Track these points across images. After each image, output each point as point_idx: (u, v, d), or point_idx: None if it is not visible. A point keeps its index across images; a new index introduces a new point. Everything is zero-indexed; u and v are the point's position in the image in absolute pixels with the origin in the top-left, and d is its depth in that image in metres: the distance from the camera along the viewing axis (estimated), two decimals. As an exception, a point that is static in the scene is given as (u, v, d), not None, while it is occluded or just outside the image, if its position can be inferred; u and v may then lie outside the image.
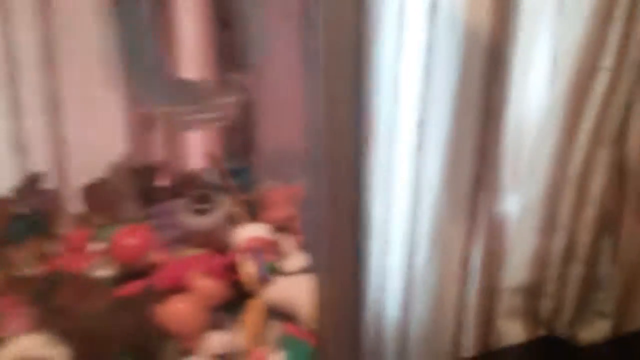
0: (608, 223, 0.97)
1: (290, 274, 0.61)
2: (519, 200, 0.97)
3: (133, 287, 0.53)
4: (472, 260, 0.97)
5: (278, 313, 0.60)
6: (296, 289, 0.58)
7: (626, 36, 0.83)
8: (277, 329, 0.59)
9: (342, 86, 0.48)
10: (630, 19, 0.82)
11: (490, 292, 1.02)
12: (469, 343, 1.03)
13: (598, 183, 0.92)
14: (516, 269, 1.00)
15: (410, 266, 0.94)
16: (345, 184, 0.52)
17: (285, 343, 0.58)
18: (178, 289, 0.54)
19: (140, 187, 0.62)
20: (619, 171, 0.97)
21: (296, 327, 0.58)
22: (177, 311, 0.53)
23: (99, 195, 0.62)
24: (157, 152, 0.71)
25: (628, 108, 0.89)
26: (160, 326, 0.53)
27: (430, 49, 0.81)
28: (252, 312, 0.59)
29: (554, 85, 0.88)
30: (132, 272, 0.56)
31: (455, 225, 0.93)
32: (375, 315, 0.96)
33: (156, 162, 0.67)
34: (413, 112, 0.85)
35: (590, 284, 1.00)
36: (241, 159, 0.71)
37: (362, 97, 0.51)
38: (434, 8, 0.79)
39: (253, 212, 0.66)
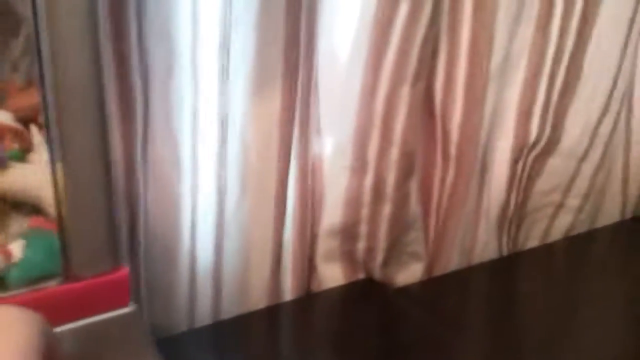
0: (413, 163, 0.99)
1: (35, 163, 0.55)
2: (332, 140, 0.97)
3: None
4: (287, 202, 0.95)
5: (23, 204, 0.54)
6: (39, 178, 0.52)
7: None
8: (21, 221, 0.53)
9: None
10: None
11: (307, 234, 1.01)
12: (288, 287, 1.01)
13: (401, 123, 0.94)
14: (331, 210, 1.00)
15: (220, 207, 0.91)
16: (79, 75, 0.47)
17: (29, 233, 0.52)
18: None
19: None
20: (427, 111, 1.01)
21: (42, 218, 0.53)
22: None
23: None
24: None
25: (429, 42, 0.92)
26: None
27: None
28: (-13, 200, 0.53)
29: (360, 18, 0.89)
30: None
31: (266, 164, 0.90)
32: (188, 257, 0.92)
33: None
34: (215, 34, 0.81)
35: (400, 224, 1.02)
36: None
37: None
38: None
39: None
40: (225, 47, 0.81)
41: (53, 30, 0.46)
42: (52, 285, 0.51)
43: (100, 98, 0.49)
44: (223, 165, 0.88)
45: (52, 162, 0.49)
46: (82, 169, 0.49)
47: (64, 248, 0.51)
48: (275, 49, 0.83)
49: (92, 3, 0.48)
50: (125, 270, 0.53)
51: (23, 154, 0.55)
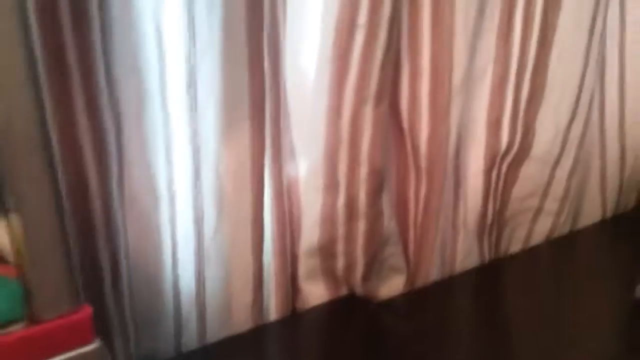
0: (382, 181, 1.01)
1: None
2: (305, 162, 1.00)
3: None
4: (265, 225, 0.98)
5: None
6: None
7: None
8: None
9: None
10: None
11: (288, 255, 1.03)
12: (273, 308, 1.04)
13: (367, 142, 0.96)
14: (309, 230, 1.03)
15: (199, 235, 0.93)
16: (25, 124, 0.50)
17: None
18: None
19: None
20: (396, 128, 1.04)
21: (5, 266, 0.56)
22: None
23: None
24: None
25: (389, 64, 0.95)
26: None
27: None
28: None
29: (321, 42, 0.92)
30: None
31: (241, 191, 0.92)
32: (172, 286, 0.95)
33: None
34: (181, 67, 0.84)
35: (376, 240, 1.04)
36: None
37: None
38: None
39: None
40: (192, 80, 0.84)
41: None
42: (16, 329, 0.53)
43: (46, 144, 0.51)
44: (199, 195, 0.91)
45: (8, 212, 0.51)
46: (37, 217, 0.52)
47: (26, 293, 0.54)
48: (240, 80, 0.86)
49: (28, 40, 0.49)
50: (87, 309, 0.56)
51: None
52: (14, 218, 0.51)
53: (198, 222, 0.92)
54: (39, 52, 0.72)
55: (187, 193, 0.90)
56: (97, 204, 0.84)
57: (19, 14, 0.47)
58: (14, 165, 0.49)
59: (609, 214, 1.38)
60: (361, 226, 1.01)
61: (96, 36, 0.76)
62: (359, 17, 0.88)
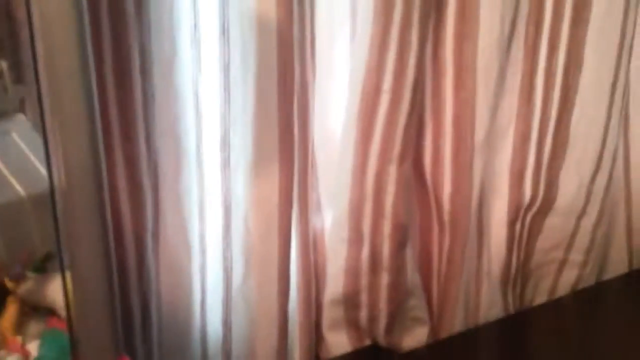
0: (406, 235, 1.04)
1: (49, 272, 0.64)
2: (331, 214, 1.05)
3: None
4: (291, 275, 1.02)
5: (41, 308, 0.62)
6: (52, 285, 0.60)
7: (401, 61, 0.93)
8: (39, 322, 0.61)
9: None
10: (402, 45, 0.93)
11: (312, 304, 1.07)
12: (297, 356, 1.07)
13: (391, 198, 0.99)
14: (334, 280, 1.06)
15: (227, 284, 0.98)
16: (82, 185, 0.55)
17: (45, 334, 0.60)
18: None
19: None
20: (419, 184, 1.07)
21: (58, 319, 0.61)
22: None
23: None
24: None
25: (412, 126, 0.99)
26: None
27: (227, 67, 0.86)
28: (8, 307, 0.61)
29: (348, 106, 0.97)
30: None
31: (268, 244, 0.96)
32: (200, 333, 0.99)
33: None
34: (216, 130, 0.90)
35: (399, 292, 1.06)
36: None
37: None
38: (225, 32, 0.86)
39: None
40: (226, 141, 0.90)
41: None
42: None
43: (102, 207, 0.56)
44: (228, 247, 0.96)
45: (62, 270, 0.56)
46: (88, 275, 0.56)
47: (73, 345, 0.58)
48: (271, 140, 0.91)
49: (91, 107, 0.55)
50: None
51: (42, 264, 0.64)
52: (68, 275, 0.56)
53: (227, 271, 0.97)
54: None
55: (217, 244, 0.95)
56: (131, 253, 0.90)
57: (86, 88, 0.52)
58: (71, 226, 0.54)
59: (635, 265, 1.37)
60: (385, 278, 1.04)
61: (137, 98, 0.82)
62: (384, 83, 0.92)
